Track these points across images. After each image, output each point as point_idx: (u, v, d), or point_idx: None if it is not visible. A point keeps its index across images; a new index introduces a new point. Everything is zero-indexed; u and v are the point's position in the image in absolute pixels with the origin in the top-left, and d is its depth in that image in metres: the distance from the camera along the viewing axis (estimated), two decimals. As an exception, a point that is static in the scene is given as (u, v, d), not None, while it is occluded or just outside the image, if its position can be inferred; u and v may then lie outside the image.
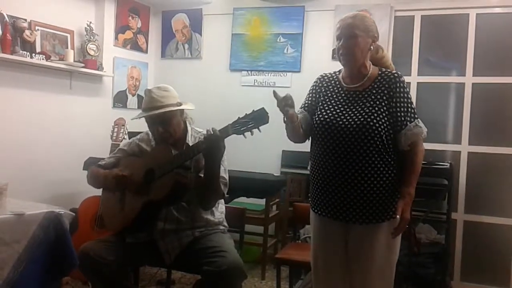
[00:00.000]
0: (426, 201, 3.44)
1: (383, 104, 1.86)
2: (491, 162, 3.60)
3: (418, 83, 3.79)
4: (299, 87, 4.07)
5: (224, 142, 2.09)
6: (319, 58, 4.02)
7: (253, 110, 1.95)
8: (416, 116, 1.88)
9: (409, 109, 1.88)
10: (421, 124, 1.88)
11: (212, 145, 2.04)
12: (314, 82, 2.09)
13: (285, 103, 1.79)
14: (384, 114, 1.85)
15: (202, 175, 2.21)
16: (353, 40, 1.85)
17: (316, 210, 2.01)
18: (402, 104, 1.87)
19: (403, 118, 1.86)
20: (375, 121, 1.83)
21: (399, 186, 1.88)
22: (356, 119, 1.86)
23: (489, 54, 3.61)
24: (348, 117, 1.88)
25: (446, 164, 3.43)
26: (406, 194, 1.84)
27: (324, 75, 2.08)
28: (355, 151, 1.84)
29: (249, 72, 4.34)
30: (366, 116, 1.84)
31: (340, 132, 1.87)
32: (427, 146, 3.62)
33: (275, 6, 4.21)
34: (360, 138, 1.83)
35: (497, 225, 3.55)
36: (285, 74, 4.21)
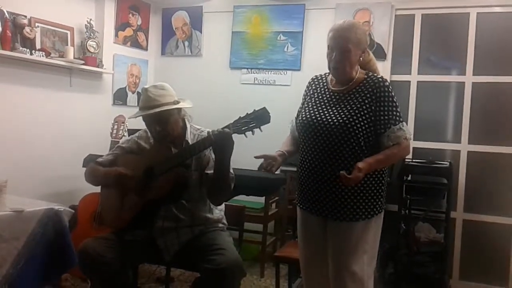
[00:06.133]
0: (425, 199, 3.45)
1: (366, 106, 1.88)
2: (490, 161, 3.61)
3: (418, 82, 3.77)
4: (299, 86, 4.03)
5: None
6: (319, 57, 3.97)
7: (255, 110, 1.93)
8: (401, 119, 1.90)
9: (394, 112, 1.89)
10: (405, 127, 1.90)
11: (224, 142, 2.02)
12: (306, 87, 2.14)
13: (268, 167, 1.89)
14: (366, 116, 1.87)
15: (209, 172, 2.21)
16: (345, 54, 1.90)
17: (299, 204, 2.06)
18: (386, 108, 1.88)
19: (386, 121, 1.88)
20: (354, 123, 1.86)
21: (372, 187, 1.90)
22: (335, 119, 1.89)
23: (489, 54, 3.60)
24: (328, 117, 1.92)
25: (445, 163, 3.43)
26: (366, 161, 1.81)
27: (315, 77, 2.14)
28: (332, 150, 1.89)
29: (249, 70, 4.33)
30: (345, 118, 1.88)
31: (320, 131, 1.92)
32: (427, 145, 3.69)
33: (275, 4, 4.19)
34: (337, 138, 1.87)
35: (496, 224, 3.56)
36: (285, 72, 4.20)
